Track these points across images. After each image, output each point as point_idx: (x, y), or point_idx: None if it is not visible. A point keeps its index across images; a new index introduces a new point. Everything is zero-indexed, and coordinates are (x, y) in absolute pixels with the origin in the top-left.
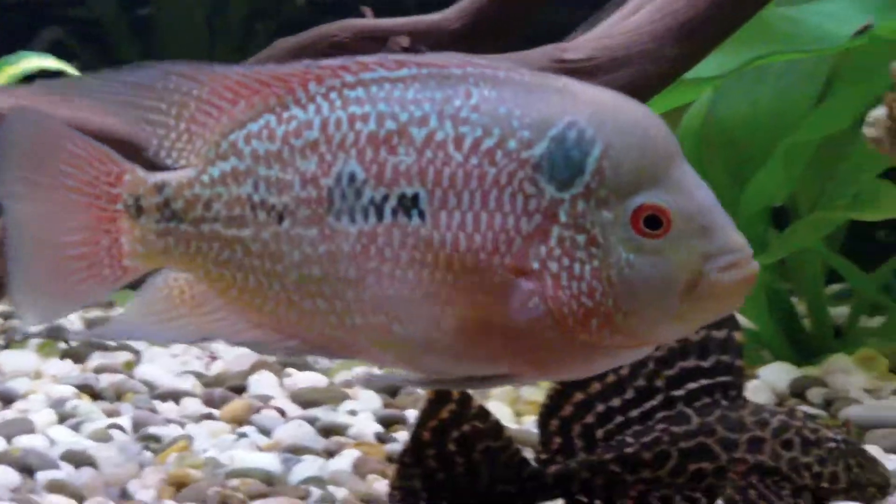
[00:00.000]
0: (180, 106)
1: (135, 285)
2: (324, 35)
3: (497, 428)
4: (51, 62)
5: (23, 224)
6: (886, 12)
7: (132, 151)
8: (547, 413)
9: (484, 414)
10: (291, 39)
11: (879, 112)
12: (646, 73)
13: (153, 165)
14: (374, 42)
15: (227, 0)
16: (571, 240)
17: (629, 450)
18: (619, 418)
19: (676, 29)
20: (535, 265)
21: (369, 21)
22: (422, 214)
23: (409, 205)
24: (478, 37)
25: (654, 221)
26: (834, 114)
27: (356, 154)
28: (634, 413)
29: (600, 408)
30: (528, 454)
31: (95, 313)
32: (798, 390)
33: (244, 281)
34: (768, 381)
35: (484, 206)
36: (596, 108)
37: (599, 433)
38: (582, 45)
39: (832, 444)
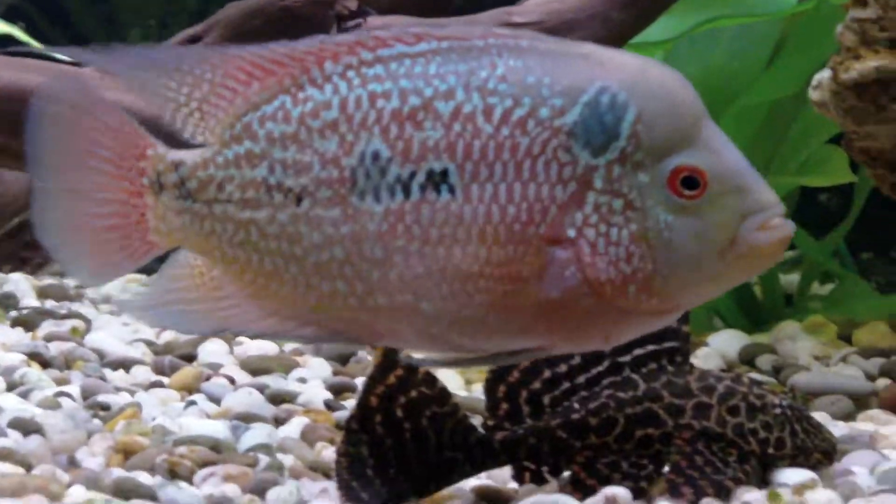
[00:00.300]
0: (192, 87)
1: None
2: (273, 1)
3: (444, 394)
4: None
5: (60, 193)
6: None
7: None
8: (494, 380)
9: (431, 380)
10: (240, 4)
11: (824, 75)
12: (595, 37)
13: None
14: (323, 6)
15: None
16: (608, 205)
17: (576, 416)
18: (566, 384)
19: None
20: (572, 233)
21: None
22: (452, 189)
23: (438, 180)
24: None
25: (690, 182)
26: (783, 77)
27: (379, 132)
28: (581, 379)
29: (547, 374)
30: (479, 422)
31: (48, 281)
32: (748, 357)
33: (259, 264)
34: (719, 348)
35: (517, 176)
36: (625, 72)
37: (546, 399)
38: (531, 8)
39: (778, 410)
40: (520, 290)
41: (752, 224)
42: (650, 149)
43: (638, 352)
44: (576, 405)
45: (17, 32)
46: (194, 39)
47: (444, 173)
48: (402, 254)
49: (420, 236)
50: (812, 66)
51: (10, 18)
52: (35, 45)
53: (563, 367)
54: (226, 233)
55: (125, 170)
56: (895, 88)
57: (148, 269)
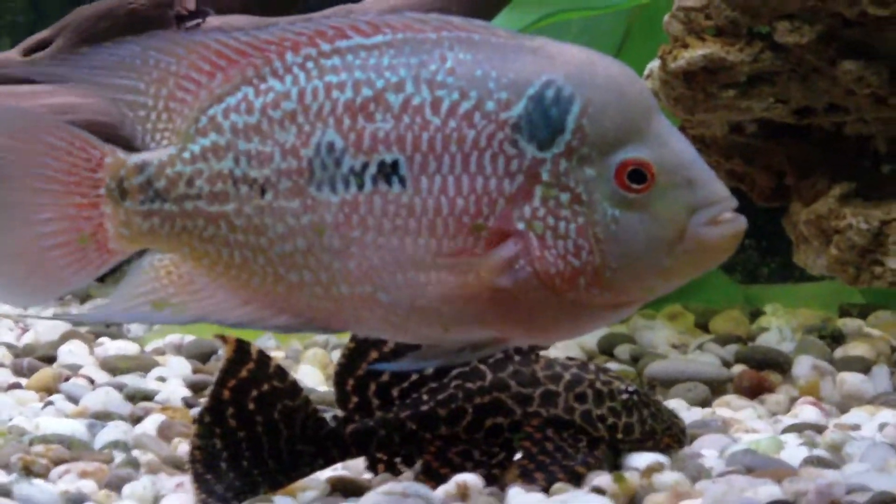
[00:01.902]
0: (159, 83)
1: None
2: (121, 3)
3: (295, 387)
4: None
5: None
6: None
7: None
8: (342, 372)
9: (282, 374)
10: (91, 7)
11: (654, 64)
12: None
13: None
14: (163, 7)
15: None
16: (555, 199)
17: (425, 407)
18: (415, 376)
19: None
20: (520, 226)
21: None
22: (402, 181)
23: (389, 171)
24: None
25: (637, 176)
26: None
27: (334, 123)
28: (429, 371)
29: None
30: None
31: None
32: (607, 347)
33: (230, 257)
34: (577, 339)
35: (465, 169)
36: (572, 66)
37: (395, 391)
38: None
39: (625, 396)
40: (471, 281)
41: (702, 218)
42: (596, 142)
43: None
44: (424, 397)
45: None
46: (45, 44)
47: (395, 165)
48: (359, 244)
49: (374, 227)
50: (653, 57)
51: None
52: None
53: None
54: (196, 228)
55: (74, 185)
56: (723, 76)
57: None
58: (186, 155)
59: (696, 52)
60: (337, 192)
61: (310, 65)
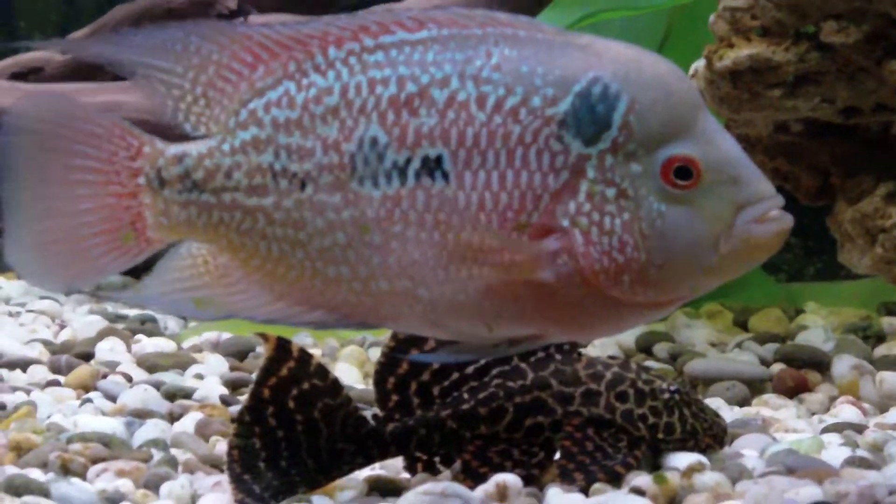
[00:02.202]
0: (198, 69)
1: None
2: (159, 2)
3: (336, 386)
4: None
5: (32, 210)
6: None
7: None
8: (383, 371)
9: (323, 372)
10: (129, 6)
11: (700, 64)
12: None
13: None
14: (205, 6)
15: None
16: (601, 194)
17: (465, 406)
18: (455, 375)
19: None
20: (565, 222)
21: None
22: (446, 175)
23: (433, 166)
24: (307, 1)
25: (684, 172)
26: None
27: (377, 118)
28: (470, 369)
29: (436, 365)
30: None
31: None
32: (645, 345)
33: (267, 250)
34: (616, 337)
35: (509, 164)
36: (619, 63)
37: (436, 390)
38: (411, 5)
39: (667, 396)
40: (514, 277)
41: (748, 215)
42: (643, 139)
43: None
44: (465, 395)
45: None
46: None
47: (439, 160)
48: (400, 239)
49: (416, 222)
50: (695, 56)
51: None
52: None
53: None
54: (234, 221)
55: (113, 174)
56: (769, 76)
57: None
58: (226, 147)
59: (742, 51)
60: (379, 187)
61: (353, 60)
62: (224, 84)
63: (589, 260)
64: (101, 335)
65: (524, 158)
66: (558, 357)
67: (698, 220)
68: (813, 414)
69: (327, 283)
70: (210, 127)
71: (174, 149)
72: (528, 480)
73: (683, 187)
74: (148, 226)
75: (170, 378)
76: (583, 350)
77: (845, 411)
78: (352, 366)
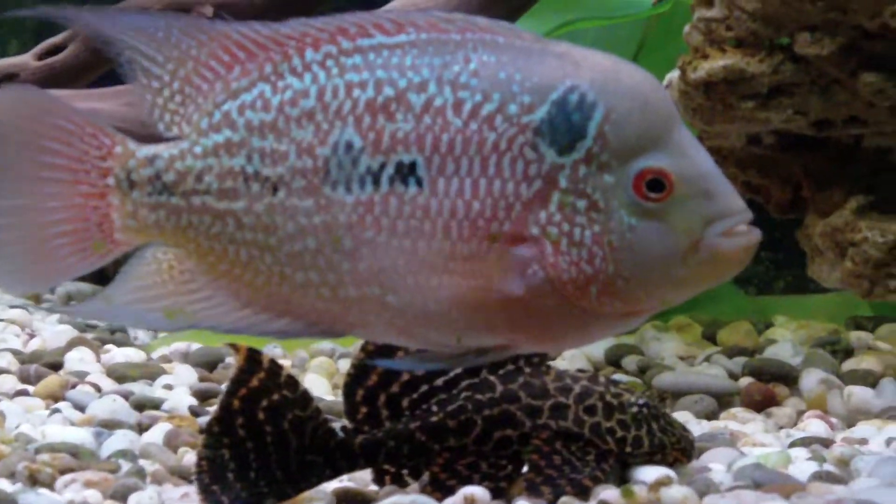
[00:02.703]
0: (177, 63)
1: None
2: (133, 6)
3: (306, 397)
4: None
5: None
6: None
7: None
8: (352, 383)
9: (293, 383)
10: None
11: (674, 74)
12: None
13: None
14: (182, 12)
15: None
16: (572, 205)
17: (434, 418)
18: (424, 387)
19: None
20: (535, 231)
21: None
22: (419, 182)
23: (406, 172)
24: (283, 10)
25: (656, 185)
26: None
27: (353, 122)
28: (439, 382)
29: (405, 377)
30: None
31: None
32: (614, 358)
33: (236, 254)
34: (585, 349)
35: (483, 171)
36: (597, 72)
37: (405, 402)
38: (395, 7)
39: (635, 409)
40: (483, 286)
41: (717, 229)
42: (617, 150)
43: None
44: (434, 408)
45: None
46: (58, 48)
47: (413, 166)
48: (371, 246)
49: (388, 228)
50: (669, 67)
51: None
52: None
53: (420, 371)
54: (203, 224)
55: (82, 173)
56: (743, 87)
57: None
58: (198, 150)
59: (717, 62)
60: (352, 192)
61: (330, 63)
62: (200, 82)
63: (558, 270)
64: (71, 345)
65: (498, 166)
66: (527, 370)
67: (668, 233)
68: (781, 428)
69: (295, 289)
70: (183, 127)
71: (145, 150)
72: (496, 493)
73: (655, 200)
74: (115, 228)
75: (139, 388)
76: (552, 363)
77: (813, 425)
78: (321, 377)
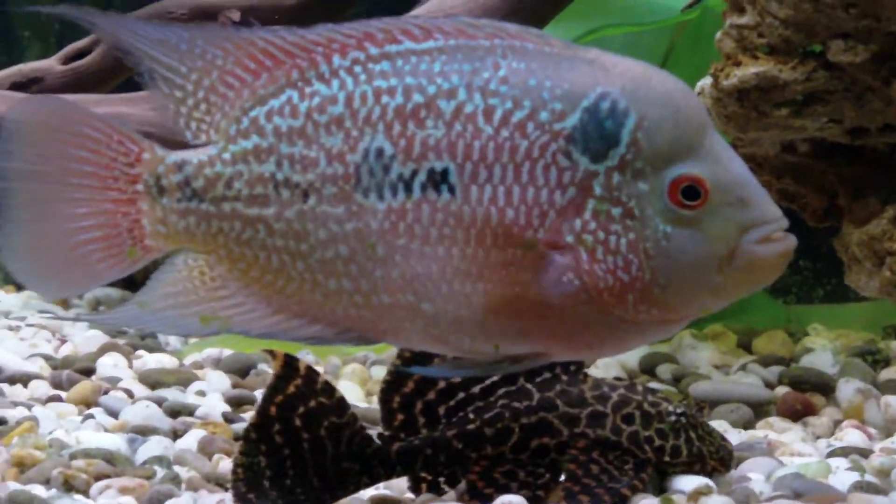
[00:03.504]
0: (201, 73)
1: None
2: (161, 10)
3: (342, 404)
4: None
5: (28, 214)
6: None
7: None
8: (388, 390)
9: (329, 390)
10: (132, 15)
11: (706, 82)
12: None
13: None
14: (209, 18)
15: None
16: (607, 213)
17: (471, 426)
18: (461, 394)
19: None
20: (570, 239)
21: None
22: (452, 189)
23: (438, 179)
24: (312, 14)
25: (691, 192)
26: None
27: (383, 128)
28: (476, 389)
29: (442, 384)
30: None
31: None
32: (648, 367)
33: (267, 261)
34: (619, 357)
35: (516, 179)
36: (628, 79)
37: (441, 410)
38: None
39: (673, 418)
40: (517, 294)
41: (753, 237)
42: (651, 157)
43: None
44: (471, 415)
45: None
46: (83, 52)
47: (445, 173)
48: (404, 253)
49: (420, 235)
50: (699, 72)
51: None
52: None
53: (457, 379)
54: (233, 231)
55: (111, 180)
56: (776, 94)
57: None
58: (226, 156)
59: (749, 70)
60: (384, 199)
61: (358, 69)
62: (226, 90)
63: (594, 278)
64: (103, 350)
65: (531, 173)
66: (564, 378)
67: (704, 240)
68: (818, 438)
69: (327, 296)
70: (210, 134)
71: (174, 156)
72: (533, 502)
73: (690, 207)
74: (146, 233)
75: (172, 395)
76: (587, 371)
77: (850, 435)
78: (354, 384)
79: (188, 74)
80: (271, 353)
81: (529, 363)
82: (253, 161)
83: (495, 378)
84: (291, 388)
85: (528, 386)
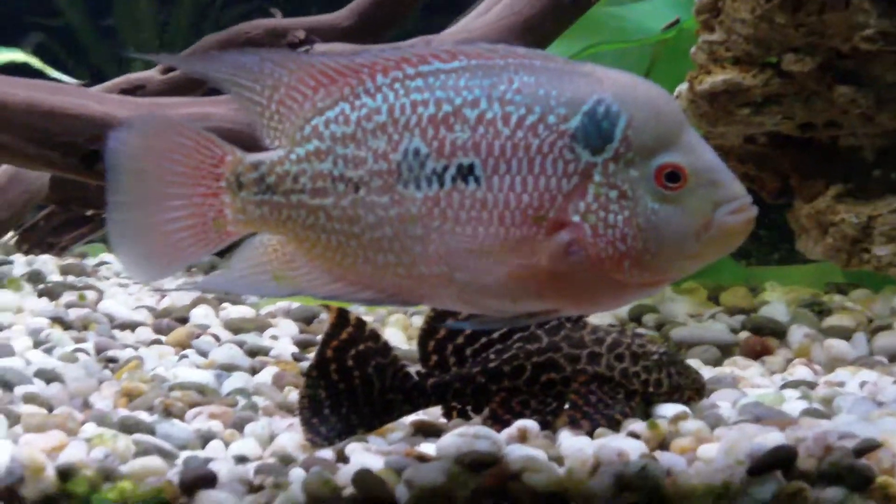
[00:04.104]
0: (272, 89)
1: None
2: (240, 32)
3: (386, 347)
4: (18, 55)
5: (136, 202)
6: (691, 9)
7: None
8: (425, 335)
9: (376, 336)
10: (215, 36)
11: (683, 87)
12: None
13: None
14: (278, 37)
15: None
16: (605, 195)
17: (492, 364)
18: (484, 339)
19: (520, 25)
20: (576, 218)
21: (277, 20)
22: (477, 180)
23: (466, 172)
24: (363, 33)
25: (673, 177)
26: None
27: (419, 132)
28: (495, 335)
29: (468, 331)
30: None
31: (70, 261)
32: (636, 316)
33: (327, 241)
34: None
35: (530, 170)
36: (618, 87)
37: (468, 351)
38: (445, 38)
39: (655, 356)
40: (534, 263)
41: (724, 210)
42: (639, 149)
43: None
44: (492, 356)
45: (33, 60)
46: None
47: (471, 167)
48: (438, 232)
49: (452, 218)
50: (677, 81)
51: (39, 52)
52: (54, 73)
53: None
54: (300, 217)
55: (200, 178)
56: (740, 97)
57: None
58: (293, 157)
59: (718, 77)
60: (421, 189)
61: (397, 85)
62: (292, 103)
63: (596, 249)
64: (195, 303)
65: (542, 166)
66: (568, 325)
67: (684, 215)
68: (773, 373)
69: (376, 268)
70: (281, 139)
71: (251, 157)
72: (543, 426)
73: (673, 189)
74: (228, 221)
75: (251, 339)
76: (587, 320)
77: (800, 371)
78: (398, 330)
79: (262, 91)
80: (327, 307)
81: (543, 317)
82: (314, 160)
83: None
84: (344, 335)
85: (539, 332)
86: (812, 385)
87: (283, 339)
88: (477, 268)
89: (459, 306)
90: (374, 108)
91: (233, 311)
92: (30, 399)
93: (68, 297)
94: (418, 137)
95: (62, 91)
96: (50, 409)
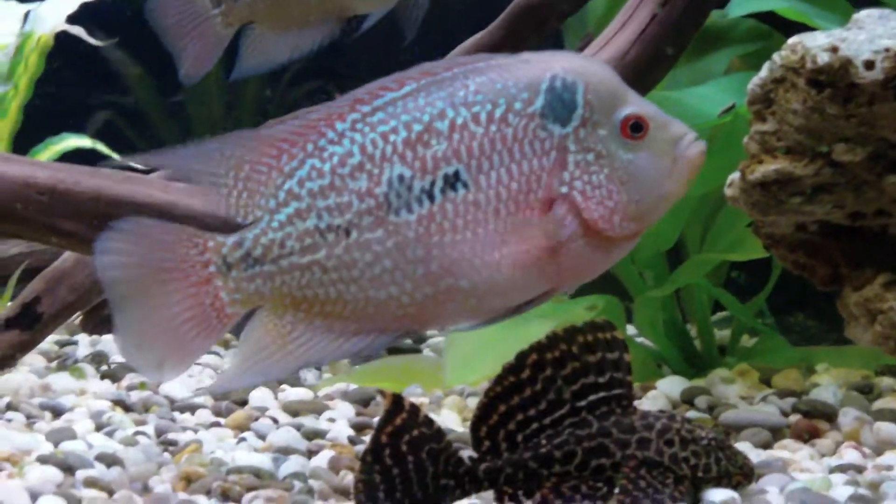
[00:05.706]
0: (236, 169)
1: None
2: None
3: (440, 433)
4: (85, 142)
5: (135, 308)
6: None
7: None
8: (477, 421)
9: (429, 422)
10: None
11: (735, 175)
12: None
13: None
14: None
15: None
16: (584, 160)
17: (543, 450)
18: (535, 425)
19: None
20: (563, 189)
21: None
22: (465, 184)
23: (453, 180)
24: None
25: (636, 126)
26: (709, 176)
27: (398, 159)
28: (547, 420)
29: (520, 417)
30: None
31: None
32: (688, 398)
33: (325, 295)
34: (665, 391)
35: (511, 158)
36: (565, 62)
37: (520, 437)
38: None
39: (705, 441)
40: (535, 245)
41: (682, 144)
42: (601, 109)
43: (592, 398)
44: (543, 441)
45: (99, 146)
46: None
47: (457, 174)
48: (439, 246)
49: (450, 228)
50: (731, 166)
51: (106, 131)
52: (115, 157)
53: (532, 412)
54: (294, 280)
55: (188, 268)
56: (792, 186)
57: None
58: (275, 224)
59: (770, 167)
60: (413, 212)
61: (360, 125)
62: (259, 176)
63: (589, 212)
64: (254, 385)
65: (521, 151)
66: (618, 411)
67: (655, 158)
68: (823, 456)
69: (378, 305)
70: (255, 213)
71: (232, 238)
72: None
73: (638, 138)
74: (225, 303)
75: (308, 421)
76: (639, 405)
77: (849, 454)
78: (453, 412)
79: (226, 173)
80: (382, 392)
81: (540, 301)
82: (297, 221)
83: (562, 412)
84: (398, 421)
85: (589, 417)
86: (860, 469)
87: (339, 421)
88: (482, 267)
89: (464, 318)
90: (345, 153)
91: (291, 394)
92: (90, 483)
93: (130, 379)
94: (398, 164)
95: (128, 180)
96: (110, 494)
